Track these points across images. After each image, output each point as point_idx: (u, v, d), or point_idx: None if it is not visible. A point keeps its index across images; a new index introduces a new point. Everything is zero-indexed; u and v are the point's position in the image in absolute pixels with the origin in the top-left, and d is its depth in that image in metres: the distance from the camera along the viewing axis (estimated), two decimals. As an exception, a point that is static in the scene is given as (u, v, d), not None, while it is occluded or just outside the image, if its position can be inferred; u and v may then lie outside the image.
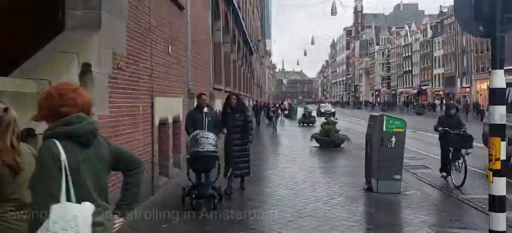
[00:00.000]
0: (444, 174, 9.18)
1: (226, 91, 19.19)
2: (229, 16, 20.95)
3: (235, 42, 24.49)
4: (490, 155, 3.84)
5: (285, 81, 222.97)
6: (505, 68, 4.06)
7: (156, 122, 7.71)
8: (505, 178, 3.88)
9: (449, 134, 8.68)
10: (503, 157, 3.76)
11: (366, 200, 7.28)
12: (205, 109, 7.00)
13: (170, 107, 8.73)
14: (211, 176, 6.68)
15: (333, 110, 46.67)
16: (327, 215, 6.14)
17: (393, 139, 7.51)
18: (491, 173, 3.80)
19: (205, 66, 13.32)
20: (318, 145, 15.00)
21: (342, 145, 14.73)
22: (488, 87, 4.39)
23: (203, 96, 7.20)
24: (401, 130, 7.59)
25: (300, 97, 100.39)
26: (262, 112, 24.85)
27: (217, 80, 17.55)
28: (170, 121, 8.63)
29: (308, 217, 6.08)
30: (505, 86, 3.92)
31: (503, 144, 3.75)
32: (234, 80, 23.84)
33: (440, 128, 8.95)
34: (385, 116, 7.70)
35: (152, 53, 7.40)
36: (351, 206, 6.74)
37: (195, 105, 7.67)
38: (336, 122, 15.38)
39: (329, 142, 14.53)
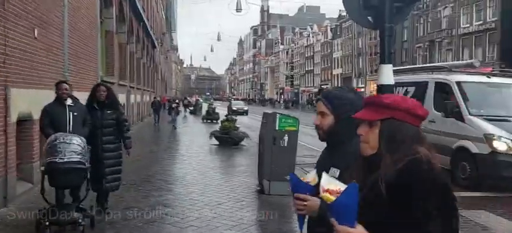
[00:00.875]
0: None
1: (120, 84, 17.79)
2: (125, 5, 19.45)
3: (134, 33, 22.93)
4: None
5: (193, 76, 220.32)
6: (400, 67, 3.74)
7: (13, 118, 6.43)
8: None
9: None
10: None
11: (257, 204, 6.79)
12: (69, 101, 5.39)
13: (36, 101, 7.40)
14: (77, 194, 5.16)
15: (246, 108, 42.94)
16: (211, 224, 5.50)
17: (286, 138, 7.12)
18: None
19: (90, 56, 11.94)
20: (217, 142, 14.39)
21: (242, 143, 14.30)
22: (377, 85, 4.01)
23: (64, 85, 5.47)
24: (294, 129, 7.23)
25: (208, 93, 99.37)
26: (163, 108, 23.43)
27: (109, 72, 16.10)
28: (36, 116, 7.32)
29: (190, 227, 5.38)
30: (392, 83, 3.57)
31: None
32: (131, 73, 22.28)
33: None
34: (277, 114, 7.28)
35: (6, 35, 6.11)
36: (240, 211, 6.18)
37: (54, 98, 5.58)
38: (236, 119, 14.89)
39: (228, 139, 14.00)
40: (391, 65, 3.54)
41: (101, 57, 15.07)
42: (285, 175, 7.13)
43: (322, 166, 1.89)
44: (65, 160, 4.41)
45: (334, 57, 73.87)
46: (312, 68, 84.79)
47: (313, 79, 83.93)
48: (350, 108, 1.87)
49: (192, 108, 40.86)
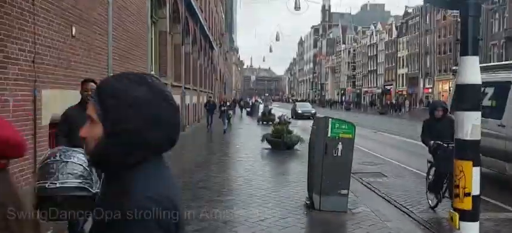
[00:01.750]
0: (433, 200, 6.73)
1: (173, 85, 17.62)
2: (180, 5, 19.28)
3: (190, 34, 22.82)
4: (456, 187, 2.44)
5: (253, 78, 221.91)
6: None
7: (45, 122, 6.08)
8: (478, 223, 2.48)
9: (443, 150, 6.20)
10: (476, 191, 2.35)
11: (304, 222, 5.92)
12: None
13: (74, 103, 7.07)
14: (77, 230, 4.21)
15: (313, 111, 34.21)
16: (247, 247, 4.73)
17: (339, 146, 6.18)
18: (457, 215, 2.41)
19: (139, 57, 11.66)
20: (269, 146, 13.63)
21: (296, 147, 13.42)
22: (451, 86, 2.97)
23: (90, 84, 4.42)
24: (350, 136, 6.26)
25: (267, 94, 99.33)
26: (216, 110, 22.82)
27: (162, 73, 15.91)
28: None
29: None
30: (479, 81, 2.54)
31: (477, 171, 2.35)
32: (187, 74, 22.16)
33: (431, 143, 6.40)
34: (330, 119, 6.35)
35: (35, 32, 5.75)
36: (284, 230, 5.35)
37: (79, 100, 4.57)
38: (290, 122, 14.02)
39: (281, 143, 13.19)
40: (476, 57, 2.53)
41: (153, 58, 14.94)
42: (338, 188, 6.24)
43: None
44: (57, 185, 3.09)
45: (399, 57, 70.50)
46: (375, 67, 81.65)
47: (377, 79, 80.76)
48: (129, 116, 1.13)
49: (249, 109, 40.50)
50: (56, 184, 3.08)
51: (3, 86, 5.02)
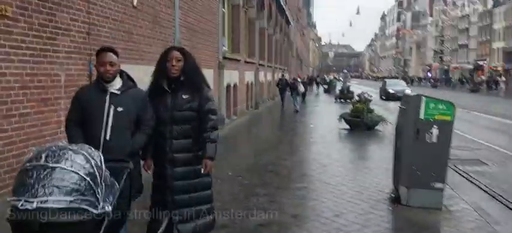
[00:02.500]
0: None
1: (247, 62, 17.05)
2: (254, -23, 18.51)
3: (265, 8, 22.02)
4: None
5: (331, 54, 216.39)
6: None
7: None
8: None
9: None
10: None
11: (389, 219, 4.95)
12: (116, 85, 3.08)
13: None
14: None
15: (408, 91, 24.50)
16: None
17: (434, 131, 5.07)
18: None
19: (209, 31, 11.13)
20: (348, 127, 12.59)
21: (377, 128, 12.22)
22: None
23: (109, 54, 3.08)
24: (448, 118, 5.11)
25: (346, 71, 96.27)
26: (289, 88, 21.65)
27: (235, 48, 15.38)
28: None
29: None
30: None
31: None
32: (262, 50, 21.50)
33: None
34: (423, 97, 5.22)
35: (90, 0, 5.31)
36: (363, 230, 4.46)
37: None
38: (371, 100, 12.79)
39: (360, 123, 12.06)
40: None
41: (226, 33, 14.44)
42: (431, 181, 5.17)
43: None
44: (34, 204, 2.05)
45: (495, 29, 63.84)
46: (466, 42, 75.01)
47: (467, 54, 74.26)
48: None
49: (326, 86, 39.05)
50: (32, 202, 2.04)
51: (52, 59, 4.63)
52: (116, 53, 3.13)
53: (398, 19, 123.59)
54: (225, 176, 6.44)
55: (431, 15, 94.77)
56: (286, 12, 32.06)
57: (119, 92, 3.06)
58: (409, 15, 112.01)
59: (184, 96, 3.33)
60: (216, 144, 3.34)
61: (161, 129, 3.32)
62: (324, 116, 17.19)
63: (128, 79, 3.20)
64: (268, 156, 8.40)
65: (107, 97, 3.03)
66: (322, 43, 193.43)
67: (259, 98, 20.05)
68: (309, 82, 37.56)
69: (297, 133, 12.76)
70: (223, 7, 13.66)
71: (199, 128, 3.35)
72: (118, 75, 3.12)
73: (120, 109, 3.04)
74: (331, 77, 51.57)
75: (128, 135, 3.10)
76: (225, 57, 12.71)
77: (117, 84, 3.08)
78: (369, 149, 9.84)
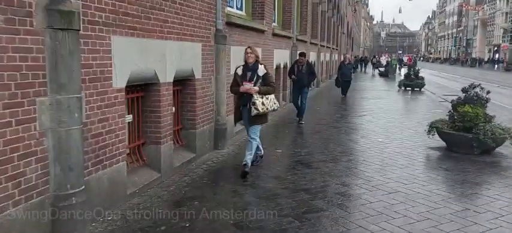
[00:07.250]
0: None
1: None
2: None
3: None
4: None
5: (383, 34, 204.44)
6: None
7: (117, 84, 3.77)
8: None
9: None
10: None
11: None
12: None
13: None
14: None
15: None
16: None
17: None
18: None
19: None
20: (443, 143, 7.34)
21: (499, 150, 6.91)
22: None
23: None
24: None
25: (400, 52, 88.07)
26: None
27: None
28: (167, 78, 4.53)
29: None
30: None
31: None
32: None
33: None
34: None
35: None
36: None
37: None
38: (488, 100, 7.28)
39: (472, 141, 6.73)
40: None
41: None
42: None
43: None
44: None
45: None
46: (545, 18, 65.09)
47: (547, 33, 64.47)
48: None
49: (382, 69, 32.98)
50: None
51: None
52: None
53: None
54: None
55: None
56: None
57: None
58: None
59: None
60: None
61: None
62: (390, 119, 11.63)
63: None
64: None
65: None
66: (374, 22, 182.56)
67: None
68: (355, 64, 32.23)
69: (354, 158, 7.42)
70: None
71: None
72: None
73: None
74: (387, 58, 44.78)
75: None
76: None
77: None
78: (496, 204, 4.54)
